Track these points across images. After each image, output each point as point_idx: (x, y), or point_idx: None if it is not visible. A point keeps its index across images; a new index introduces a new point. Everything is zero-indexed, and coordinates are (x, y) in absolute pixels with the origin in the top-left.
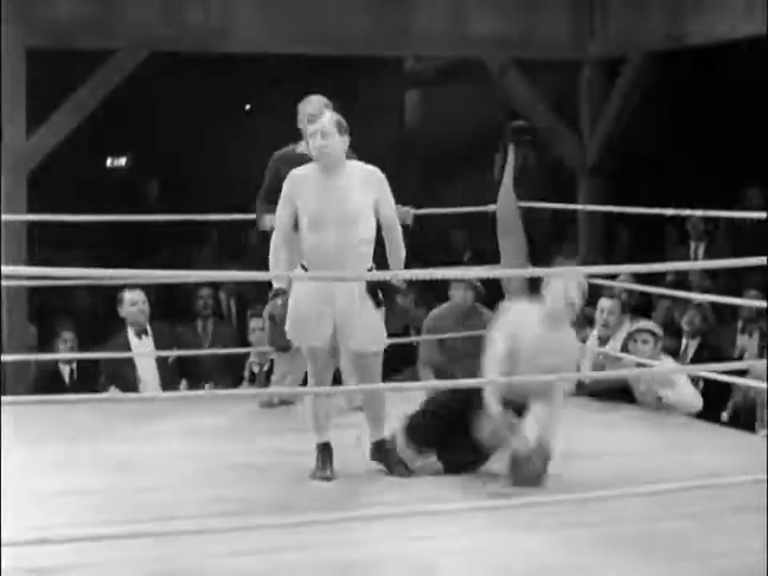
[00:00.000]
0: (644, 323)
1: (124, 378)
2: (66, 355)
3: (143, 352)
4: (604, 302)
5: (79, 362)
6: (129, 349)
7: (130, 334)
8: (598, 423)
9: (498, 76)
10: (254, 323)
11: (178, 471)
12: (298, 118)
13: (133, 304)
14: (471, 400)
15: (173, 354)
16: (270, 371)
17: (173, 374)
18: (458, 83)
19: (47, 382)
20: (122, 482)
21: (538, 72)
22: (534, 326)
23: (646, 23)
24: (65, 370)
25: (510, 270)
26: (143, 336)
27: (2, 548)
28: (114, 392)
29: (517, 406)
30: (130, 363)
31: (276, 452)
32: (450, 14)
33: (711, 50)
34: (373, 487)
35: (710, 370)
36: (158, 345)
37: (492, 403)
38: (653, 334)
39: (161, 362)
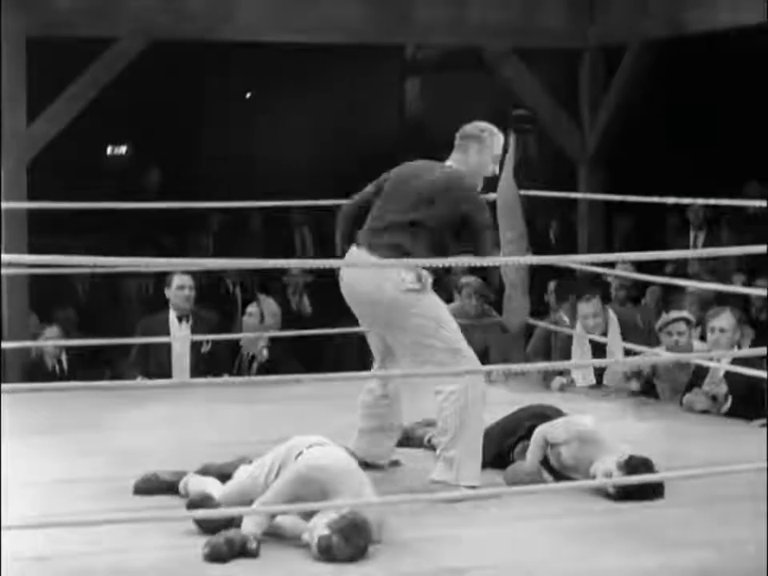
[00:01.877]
0: (675, 313)
1: (157, 358)
2: (76, 342)
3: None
4: (583, 308)
5: (68, 355)
6: (166, 329)
7: (172, 316)
8: (597, 412)
9: (498, 64)
10: (249, 308)
11: (178, 458)
12: (486, 142)
13: (180, 287)
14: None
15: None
16: (254, 358)
17: (204, 363)
18: (457, 71)
19: (34, 374)
20: (121, 471)
21: (538, 60)
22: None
23: (647, 11)
24: (50, 364)
25: (509, 258)
26: (183, 321)
27: (3, 534)
28: (139, 379)
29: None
30: (165, 345)
31: (278, 441)
32: (450, 2)
33: (712, 37)
34: (372, 476)
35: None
36: (196, 332)
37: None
38: (687, 321)
39: (195, 350)
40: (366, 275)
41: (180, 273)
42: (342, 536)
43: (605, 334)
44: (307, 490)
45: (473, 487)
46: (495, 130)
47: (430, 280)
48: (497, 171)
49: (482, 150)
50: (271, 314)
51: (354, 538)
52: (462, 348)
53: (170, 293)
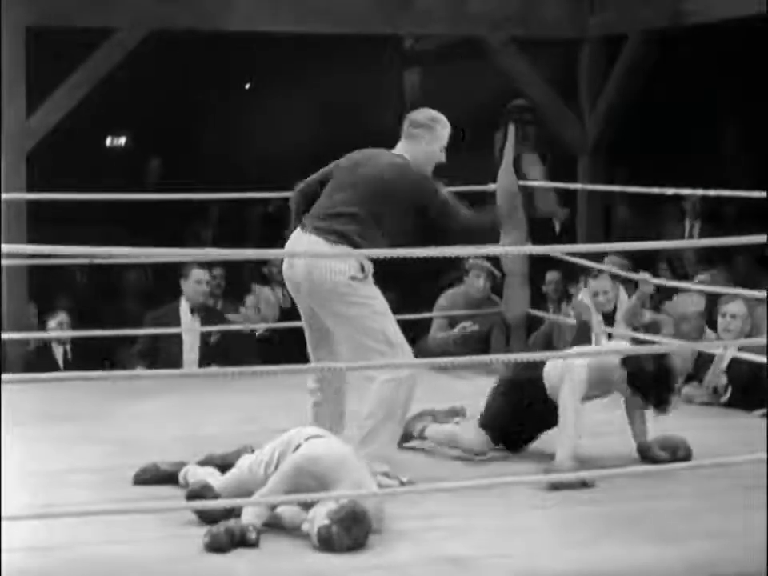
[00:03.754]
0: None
1: (167, 349)
2: (80, 333)
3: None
4: (594, 284)
5: (74, 341)
6: (177, 321)
7: (184, 306)
8: (598, 403)
9: (498, 55)
10: (249, 301)
11: (179, 448)
12: (437, 133)
13: (198, 282)
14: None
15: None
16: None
17: (213, 355)
18: (457, 62)
19: (40, 363)
20: (122, 461)
21: (537, 51)
22: None
23: (647, 1)
24: (58, 351)
25: (511, 248)
26: (196, 313)
27: (3, 525)
28: (139, 369)
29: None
30: (176, 337)
31: (279, 432)
32: None
33: (712, 27)
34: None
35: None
36: (206, 325)
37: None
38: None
39: (204, 342)
40: (308, 261)
41: (197, 266)
42: (341, 526)
43: (613, 311)
44: (306, 482)
45: (386, 474)
46: (445, 120)
47: (371, 270)
48: (444, 159)
49: (432, 141)
50: (267, 303)
51: (353, 529)
52: (398, 340)
53: (187, 285)
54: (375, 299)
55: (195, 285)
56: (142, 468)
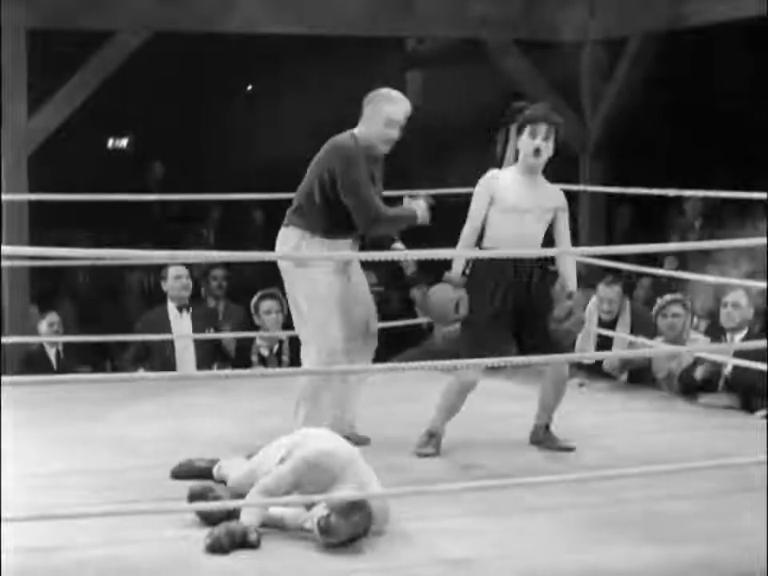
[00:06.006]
0: (671, 295)
1: (160, 352)
2: (76, 338)
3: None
4: (604, 291)
5: (66, 345)
6: (167, 322)
7: (171, 307)
8: (599, 404)
9: (500, 57)
10: (265, 305)
11: (179, 451)
12: (379, 107)
13: (177, 278)
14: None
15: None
16: (280, 353)
17: (209, 354)
18: (459, 64)
19: (32, 364)
20: (123, 462)
21: (539, 53)
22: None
23: (648, 4)
24: (51, 352)
25: (512, 250)
26: (184, 311)
27: (3, 525)
28: (140, 371)
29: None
30: (167, 339)
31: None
32: None
33: (712, 29)
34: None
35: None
36: (196, 322)
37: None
38: (683, 305)
39: (198, 340)
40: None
41: (174, 264)
42: (340, 515)
43: (615, 320)
44: (313, 476)
45: None
46: (393, 96)
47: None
48: (395, 135)
49: (375, 117)
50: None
51: (352, 516)
52: (329, 328)
53: (167, 285)
54: (317, 284)
55: (174, 281)
56: (178, 463)
